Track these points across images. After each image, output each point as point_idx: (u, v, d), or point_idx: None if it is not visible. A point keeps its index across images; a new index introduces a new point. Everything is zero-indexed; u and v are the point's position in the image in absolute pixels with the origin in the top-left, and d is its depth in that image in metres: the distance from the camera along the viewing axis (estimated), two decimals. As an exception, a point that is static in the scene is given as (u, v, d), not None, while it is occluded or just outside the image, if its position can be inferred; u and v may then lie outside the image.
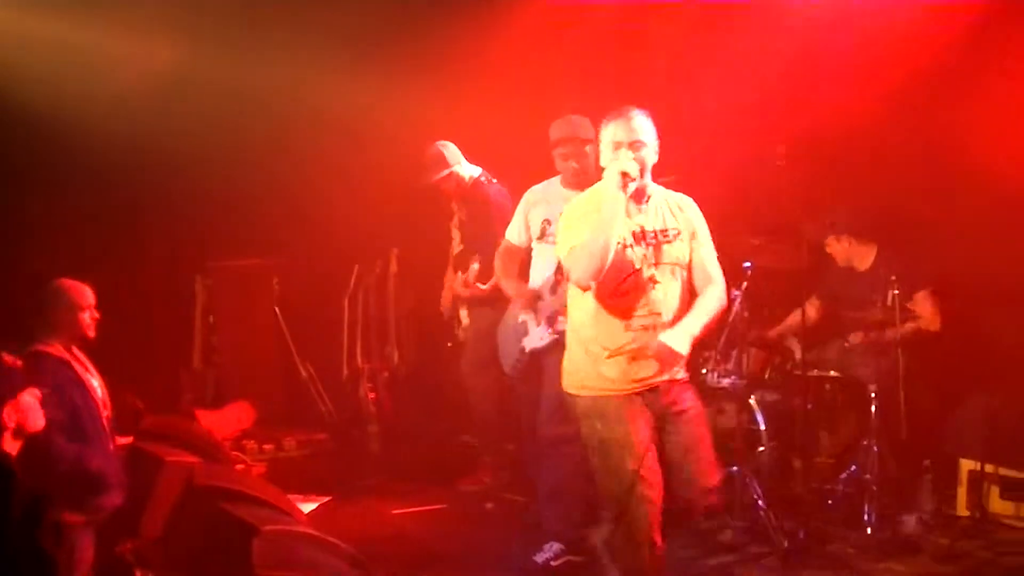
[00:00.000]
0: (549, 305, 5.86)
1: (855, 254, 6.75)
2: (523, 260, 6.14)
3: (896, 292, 6.17)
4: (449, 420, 7.97)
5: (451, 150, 7.24)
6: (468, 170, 7.26)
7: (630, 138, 4.56)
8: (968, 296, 6.61)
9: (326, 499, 7.05)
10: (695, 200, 4.81)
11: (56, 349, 5.37)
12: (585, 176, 5.90)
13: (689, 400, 4.69)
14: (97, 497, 5.24)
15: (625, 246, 4.55)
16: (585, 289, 4.60)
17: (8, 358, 4.78)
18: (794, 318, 6.58)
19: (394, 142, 8.34)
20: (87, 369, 5.49)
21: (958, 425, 6.60)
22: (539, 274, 6.00)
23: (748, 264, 6.13)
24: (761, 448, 6.52)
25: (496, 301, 6.46)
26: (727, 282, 4.84)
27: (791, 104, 6.75)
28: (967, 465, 6.44)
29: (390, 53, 8.06)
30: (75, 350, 5.48)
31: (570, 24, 7.84)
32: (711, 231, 4.80)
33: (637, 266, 4.54)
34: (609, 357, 4.57)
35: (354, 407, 8.62)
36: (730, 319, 6.18)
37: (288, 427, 8.54)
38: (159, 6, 7.86)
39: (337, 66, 8.03)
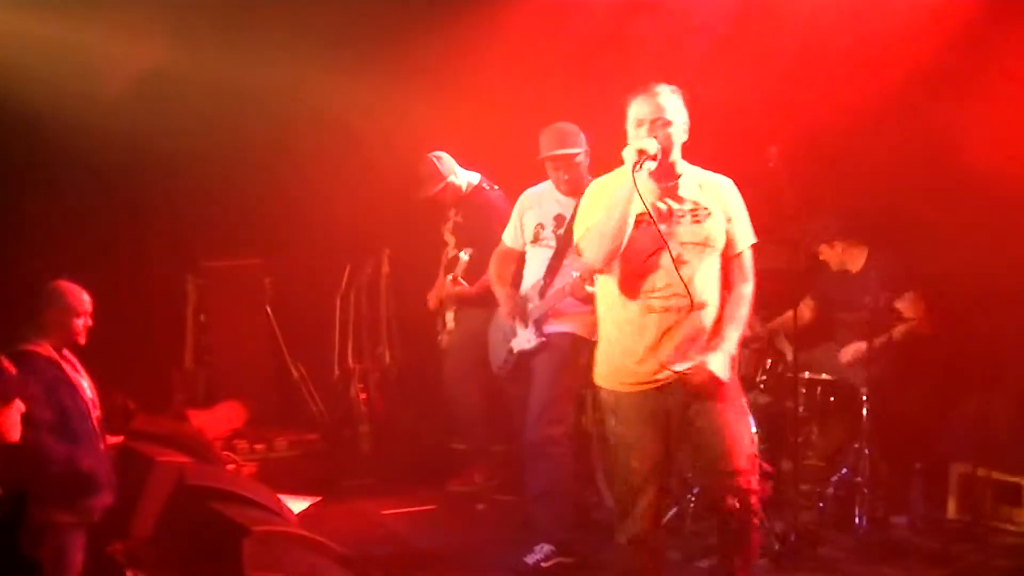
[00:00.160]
0: (538, 308, 5.88)
1: (847, 257, 6.76)
2: (518, 264, 6.14)
3: (888, 294, 6.18)
4: (440, 421, 7.96)
5: (445, 161, 7.24)
6: (465, 178, 7.26)
7: (653, 115, 4.44)
8: (962, 298, 6.62)
9: (317, 499, 7.03)
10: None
11: (45, 349, 5.36)
12: (577, 184, 5.91)
13: (714, 385, 4.47)
14: (88, 498, 5.23)
15: (648, 224, 4.40)
16: (602, 272, 4.55)
17: (6, 363, 4.76)
18: (786, 317, 6.57)
19: (387, 142, 8.34)
20: (76, 369, 5.47)
21: (949, 428, 6.62)
22: (530, 277, 6.01)
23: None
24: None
25: (485, 302, 6.46)
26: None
27: (787, 104, 6.75)
28: (958, 468, 6.46)
29: (386, 54, 8.04)
30: (64, 351, 5.47)
31: (567, 24, 7.82)
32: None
33: (663, 245, 4.39)
34: (628, 353, 4.50)
35: (345, 407, 8.60)
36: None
37: (279, 427, 8.50)
38: (155, 6, 7.85)
39: (331, 67, 8.01)
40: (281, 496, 5.65)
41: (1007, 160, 6.11)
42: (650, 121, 4.44)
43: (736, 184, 4.66)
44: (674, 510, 6.15)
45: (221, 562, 4.28)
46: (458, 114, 8.05)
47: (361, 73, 8.08)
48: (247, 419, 8.40)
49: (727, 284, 4.56)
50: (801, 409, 6.40)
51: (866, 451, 6.23)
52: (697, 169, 4.60)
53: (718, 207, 4.51)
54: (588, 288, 5.53)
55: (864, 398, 6.24)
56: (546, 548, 5.85)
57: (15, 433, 4.61)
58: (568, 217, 5.89)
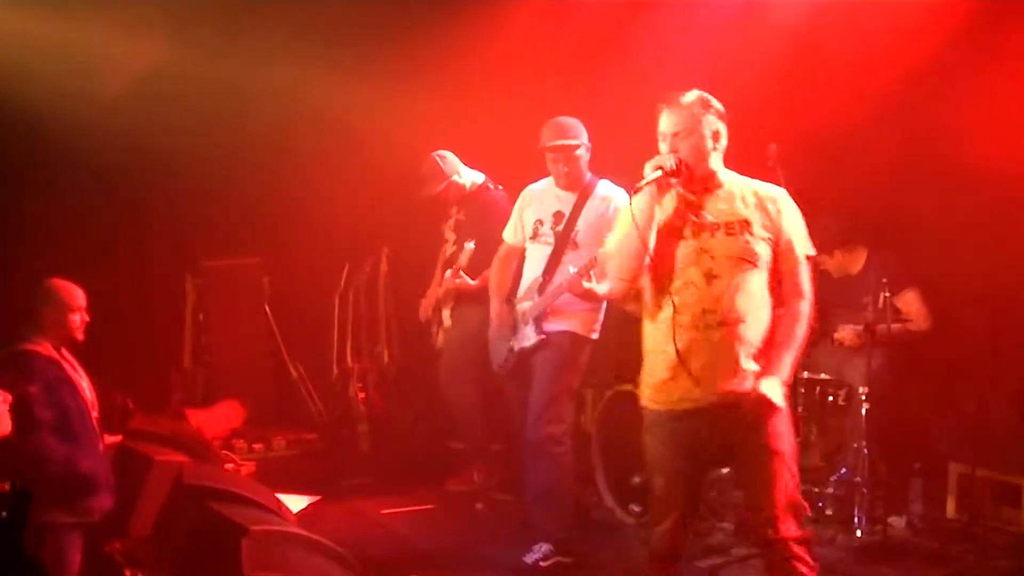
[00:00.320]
0: (536, 306, 5.87)
1: (847, 262, 6.75)
2: (519, 262, 6.14)
3: (887, 295, 6.18)
4: (439, 420, 7.95)
5: (448, 160, 7.22)
6: (469, 177, 7.24)
7: (673, 128, 4.27)
8: (961, 298, 6.61)
9: (315, 499, 7.03)
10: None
11: (45, 348, 5.35)
12: (576, 178, 5.92)
13: (757, 426, 4.19)
14: (87, 498, 5.23)
15: (681, 239, 4.26)
16: (625, 290, 4.42)
17: None
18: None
19: (386, 141, 8.35)
20: (75, 369, 5.47)
21: (948, 428, 6.62)
22: (530, 274, 6.01)
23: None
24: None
25: (483, 299, 6.45)
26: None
27: (786, 103, 6.75)
28: (957, 468, 6.46)
29: (386, 54, 8.05)
30: (63, 350, 5.46)
31: (567, 24, 7.83)
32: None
33: (693, 260, 4.23)
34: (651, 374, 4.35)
35: (344, 407, 8.61)
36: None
37: (278, 426, 8.52)
38: (155, 6, 7.85)
39: (330, 66, 8.02)
40: (280, 495, 5.65)
41: (1006, 159, 6.10)
42: (671, 135, 4.29)
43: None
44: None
45: (220, 561, 4.28)
46: (458, 113, 8.05)
47: (360, 73, 8.09)
48: (246, 418, 8.42)
49: (781, 301, 4.32)
50: (800, 409, 6.39)
51: (865, 451, 6.22)
52: (742, 180, 4.35)
53: (760, 220, 4.25)
54: (585, 284, 5.51)
55: (863, 398, 6.24)
56: (545, 547, 5.85)
57: (3, 427, 4.60)
58: (567, 213, 5.89)
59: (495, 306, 6.12)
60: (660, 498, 4.40)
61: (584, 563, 5.93)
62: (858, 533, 6.16)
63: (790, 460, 4.23)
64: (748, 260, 4.21)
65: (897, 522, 6.31)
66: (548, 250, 5.90)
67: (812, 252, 4.34)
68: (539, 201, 6.04)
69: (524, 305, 5.96)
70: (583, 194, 5.90)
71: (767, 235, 4.24)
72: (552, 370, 5.85)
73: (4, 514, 4.21)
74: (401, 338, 8.88)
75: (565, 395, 5.92)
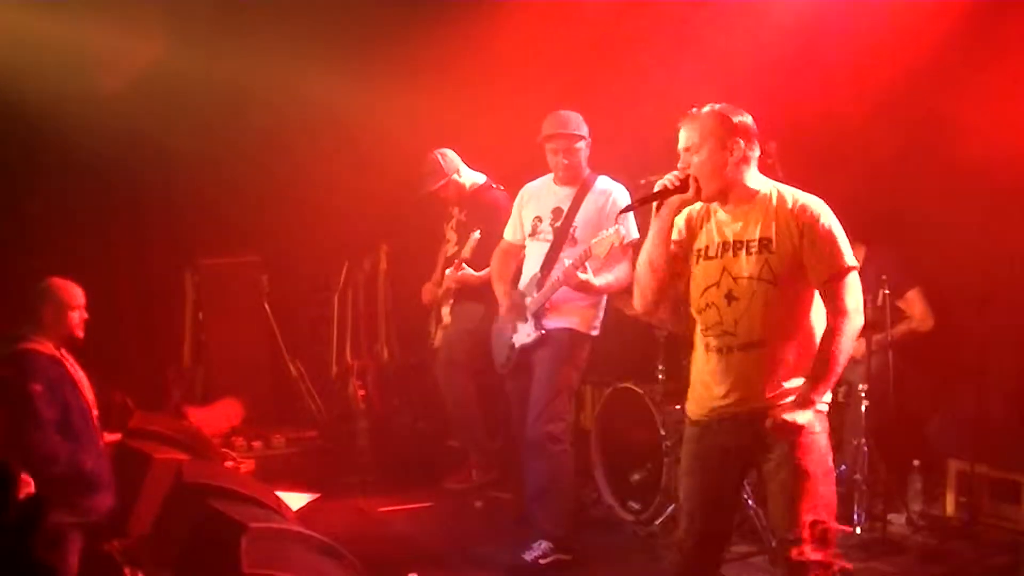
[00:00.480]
0: (536, 301, 5.87)
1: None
2: (519, 260, 6.14)
3: (887, 292, 6.18)
4: (438, 418, 7.95)
5: (449, 158, 7.21)
6: (470, 177, 7.23)
7: (685, 144, 4.26)
8: (960, 296, 6.61)
9: (315, 496, 7.04)
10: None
11: (46, 347, 5.36)
12: (574, 173, 5.92)
13: (781, 443, 4.07)
14: (90, 498, 5.24)
15: (707, 258, 4.19)
16: (648, 307, 4.36)
17: None
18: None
19: (385, 139, 8.35)
20: (75, 367, 5.47)
21: (947, 425, 6.61)
22: (529, 270, 6.01)
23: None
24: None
25: (484, 295, 6.45)
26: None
27: (785, 101, 6.75)
28: (956, 465, 6.46)
29: (384, 53, 8.05)
30: (62, 349, 5.47)
31: (566, 24, 7.83)
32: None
33: (715, 280, 4.15)
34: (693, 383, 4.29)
35: (343, 404, 8.59)
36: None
37: (277, 424, 8.52)
38: (154, 5, 7.85)
39: (328, 65, 8.02)
40: (279, 493, 5.66)
41: (1005, 157, 6.11)
42: (684, 150, 4.25)
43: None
44: (671, 508, 6.15)
45: (219, 559, 4.28)
46: (457, 112, 8.06)
47: (360, 71, 8.09)
48: (245, 416, 8.42)
49: (814, 318, 4.15)
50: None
51: (864, 448, 6.23)
52: (779, 192, 4.17)
53: (786, 235, 4.07)
54: (581, 275, 5.52)
55: (863, 395, 6.24)
56: (544, 545, 5.85)
57: None
58: (565, 210, 5.89)
59: (501, 290, 6.10)
60: (681, 506, 4.37)
61: (583, 561, 5.93)
62: (857, 530, 6.17)
63: (821, 481, 4.07)
64: (767, 280, 4.07)
65: (896, 519, 6.32)
66: (547, 246, 5.91)
67: (853, 264, 4.08)
68: (537, 198, 6.05)
69: (524, 301, 5.96)
70: (581, 189, 5.91)
71: (791, 252, 4.06)
72: (552, 368, 5.85)
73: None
74: (400, 336, 8.87)
75: (565, 393, 5.92)
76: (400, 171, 8.03)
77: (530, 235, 6.03)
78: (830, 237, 4.08)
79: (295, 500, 6.52)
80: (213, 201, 8.77)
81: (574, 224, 5.85)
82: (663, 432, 6.30)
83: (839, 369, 4.05)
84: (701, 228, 4.25)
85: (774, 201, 4.13)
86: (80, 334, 5.50)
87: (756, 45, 7.00)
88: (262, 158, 8.63)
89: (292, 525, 4.90)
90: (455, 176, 7.19)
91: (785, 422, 3.99)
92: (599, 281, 5.61)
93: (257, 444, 8.13)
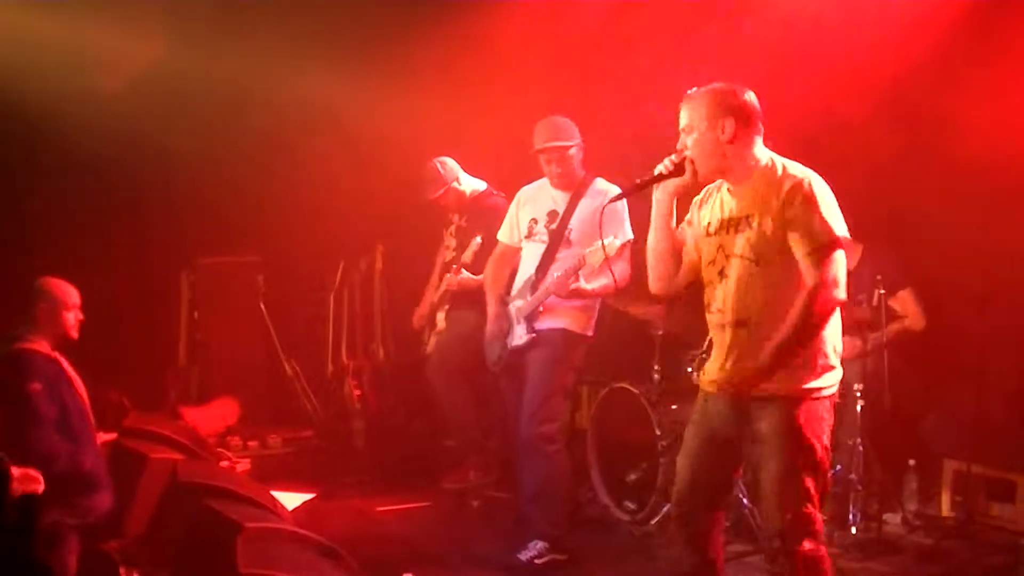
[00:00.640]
0: (529, 305, 5.87)
1: (844, 259, 6.76)
2: (514, 264, 6.14)
3: (882, 292, 6.19)
4: (434, 418, 7.95)
5: (448, 166, 7.20)
6: (469, 184, 7.21)
7: (681, 125, 4.23)
8: (955, 295, 6.62)
9: (310, 496, 7.03)
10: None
11: (43, 347, 5.36)
12: (569, 178, 5.92)
13: (764, 424, 4.06)
14: (89, 497, 5.23)
15: (710, 235, 4.24)
16: (663, 291, 4.42)
17: None
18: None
19: (382, 139, 8.34)
20: (70, 367, 5.47)
21: (943, 425, 6.62)
22: (524, 272, 6.01)
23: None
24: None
25: (478, 304, 6.45)
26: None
27: (780, 100, 6.74)
28: (951, 465, 6.46)
29: (383, 52, 8.05)
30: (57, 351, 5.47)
31: (565, 24, 7.83)
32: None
33: (712, 257, 4.21)
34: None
35: (339, 404, 8.61)
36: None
37: (273, 424, 8.52)
38: (153, 5, 7.85)
39: (326, 66, 8.02)
40: (275, 492, 5.66)
41: (1003, 156, 6.12)
42: (681, 131, 4.23)
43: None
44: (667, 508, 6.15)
45: (215, 558, 4.28)
46: (455, 113, 8.05)
47: (357, 71, 8.09)
48: (241, 416, 8.42)
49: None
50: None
51: (860, 448, 6.23)
52: (776, 167, 4.15)
53: (768, 212, 4.05)
54: (572, 285, 5.54)
55: (858, 395, 6.24)
56: (540, 545, 5.85)
57: None
58: (561, 212, 5.90)
59: (491, 305, 6.11)
60: (677, 473, 4.38)
61: (579, 560, 5.93)
62: (853, 530, 6.17)
63: (804, 471, 4.03)
64: (748, 258, 4.09)
65: (892, 519, 6.33)
66: (542, 248, 5.90)
67: (838, 236, 4.02)
68: (534, 201, 6.05)
69: (517, 304, 5.96)
70: (577, 192, 5.91)
71: (773, 228, 4.05)
72: (545, 368, 5.85)
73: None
74: (396, 335, 8.87)
75: (559, 393, 5.92)
76: (397, 172, 8.03)
77: (526, 237, 6.03)
78: (812, 209, 4.02)
79: (291, 500, 6.51)
80: (210, 201, 8.76)
81: (569, 226, 5.85)
82: (659, 432, 6.31)
83: (798, 340, 3.97)
84: (711, 205, 4.30)
85: (772, 175, 4.13)
86: (75, 334, 5.49)
87: (755, 44, 7.00)
88: (259, 158, 8.63)
89: (288, 525, 4.89)
90: (455, 184, 7.18)
91: (734, 384, 4.06)
92: (591, 286, 5.61)
93: (253, 444, 8.13)
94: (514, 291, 6.03)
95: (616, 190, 5.77)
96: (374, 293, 8.90)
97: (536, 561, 5.81)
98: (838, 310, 4.11)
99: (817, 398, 4.09)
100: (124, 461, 5.67)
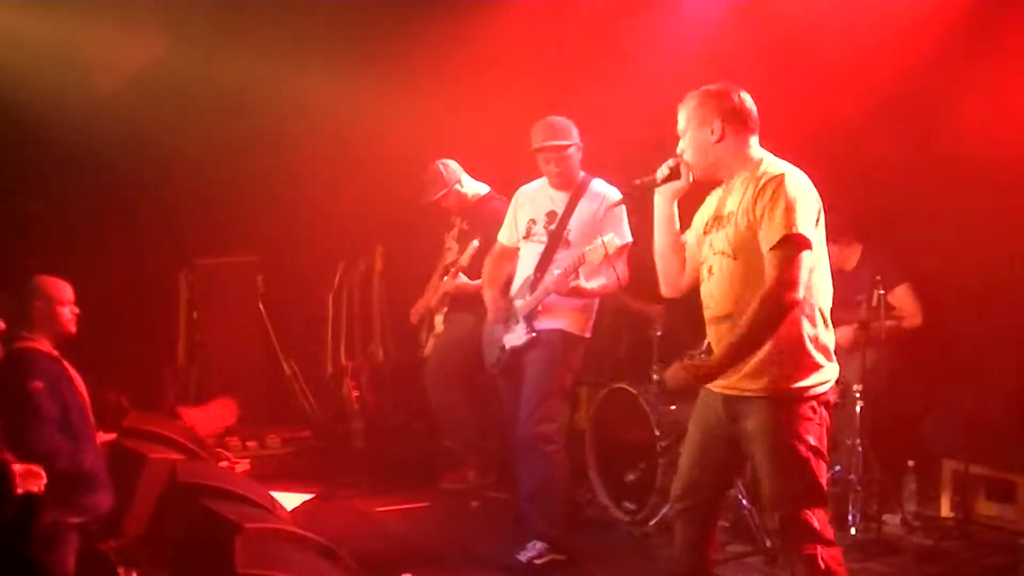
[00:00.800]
0: (528, 305, 5.86)
1: (842, 258, 6.76)
2: (512, 265, 6.13)
3: (881, 292, 6.19)
4: (433, 418, 7.95)
5: (451, 168, 7.19)
6: (472, 187, 7.20)
7: (678, 128, 4.32)
8: (954, 294, 6.63)
9: (309, 496, 7.03)
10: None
11: (44, 345, 5.35)
12: (567, 178, 5.91)
13: (751, 422, 4.12)
14: (89, 497, 5.22)
15: (704, 233, 4.32)
16: (673, 293, 4.51)
17: None
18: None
19: (381, 140, 8.34)
20: (70, 366, 5.46)
21: (942, 425, 6.62)
22: (522, 272, 6.00)
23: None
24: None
25: (476, 307, 6.44)
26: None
27: (780, 100, 6.75)
28: (950, 465, 6.46)
29: (382, 52, 8.04)
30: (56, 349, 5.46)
31: (564, 24, 7.84)
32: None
33: (705, 254, 4.29)
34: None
35: (338, 404, 8.60)
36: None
37: (272, 424, 8.51)
38: (151, 5, 7.85)
39: (325, 65, 8.02)
40: (274, 493, 5.65)
41: (1004, 156, 6.12)
42: (678, 133, 4.32)
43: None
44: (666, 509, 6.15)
45: (213, 559, 4.28)
46: (454, 113, 8.05)
47: (356, 71, 8.08)
48: (239, 416, 8.41)
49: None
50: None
51: (859, 448, 6.22)
52: (760, 166, 4.19)
53: (745, 208, 4.10)
54: (572, 283, 5.54)
55: (857, 395, 6.24)
56: (539, 545, 5.84)
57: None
58: (560, 212, 5.89)
59: (490, 297, 6.10)
60: (677, 474, 4.45)
61: (578, 561, 5.92)
62: (852, 531, 6.17)
63: (790, 471, 4.07)
64: (727, 254, 4.16)
65: (891, 519, 6.32)
66: (541, 248, 5.89)
67: (799, 234, 3.98)
68: (532, 201, 6.04)
69: (516, 303, 5.96)
70: (576, 193, 5.90)
71: (748, 224, 4.09)
72: (543, 369, 5.84)
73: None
74: (395, 336, 8.87)
75: (557, 394, 5.91)
76: (397, 172, 8.04)
77: (524, 237, 6.02)
78: (779, 205, 4.03)
79: (290, 500, 6.51)
80: (209, 201, 8.75)
81: (568, 227, 5.84)
82: (658, 432, 6.30)
83: (752, 338, 4.01)
84: (707, 205, 4.39)
85: (755, 173, 4.17)
86: (72, 329, 5.49)
87: (754, 44, 7.01)
88: (258, 158, 8.62)
89: (287, 525, 4.89)
90: (456, 186, 7.17)
91: (692, 377, 4.13)
92: (591, 284, 5.61)
93: (252, 444, 8.12)
94: (513, 291, 6.02)
95: (615, 191, 5.79)
96: (373, 294, 8.90)
97: (535, 561, 5.81)
98: (817, 309, 4.16)
99: (803, 398, 4.11)
100: (123, 461, 5.67)
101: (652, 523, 6.29)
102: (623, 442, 6.67)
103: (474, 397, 7.16)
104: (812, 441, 4.10)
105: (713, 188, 4.37)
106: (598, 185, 5.91)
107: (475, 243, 6.76)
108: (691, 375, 4.15)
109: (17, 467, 4.51)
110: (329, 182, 8.63)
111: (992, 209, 6.43)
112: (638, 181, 4.40)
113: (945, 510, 6.48)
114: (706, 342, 4.52)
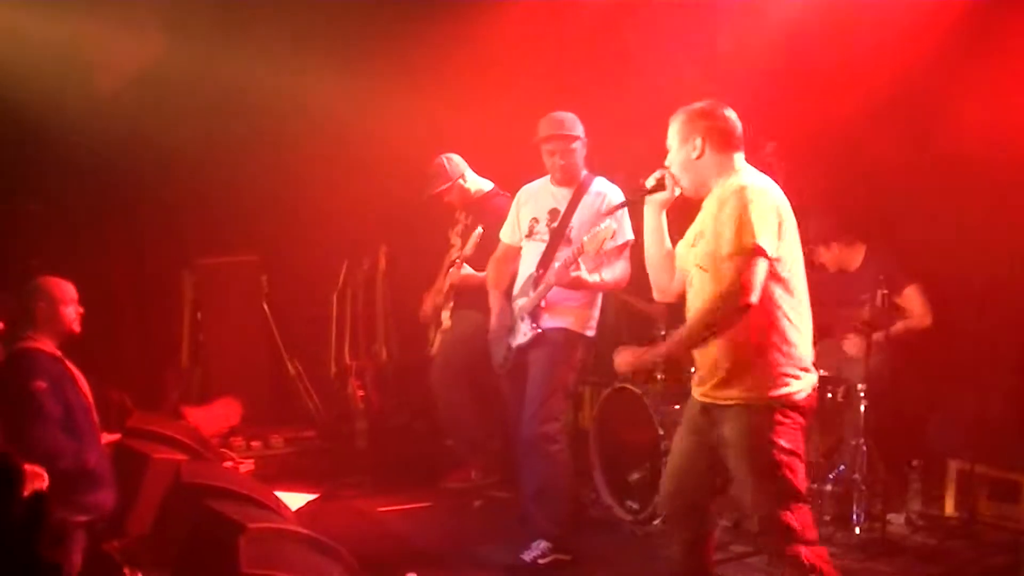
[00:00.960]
0: (531, 302, 5.86)
1: (845, 257, 6.76)
2: (516, 264, 6.13)
3: (885, 292, 6.18)
4: (437, 418, 7.95)
5: (454, 163, 7.18)
6: (476, 183, 7.19)
7: (668, 143, 4.46)
8: (958, 295, 6.62)
9: (313, 496, 7.02)
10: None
11: (46, 345, 5.36)
12: (571, 173, 5.91)
13: (727, 428, 4.23)
14: (93, 495, 5.23)
15: (689, 248, 4.43)
16: (666, 301, 4.67)
17: None
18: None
19: (384, 139, 8.34)
20: (73, 366, 5.47)
21: (946, 425, 6.61)
22: (525, 270, 6.00)
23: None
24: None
25: (482, 305, 6.44)
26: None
27: (783, 101, 6.76)
28: (955, 465, 6.46)
29: (384, 50, 8.05)
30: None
31: (563, 21, 7.83)
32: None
33: (688, 267, 4.41)
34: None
35: (342, 404, 8.60)
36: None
37: (276, 424, 8.51)
38: (152, 5, 7.85)
39: (327, 64, 8.02)
40: (277, 493, 5.65)
41: (1006, 155, 6.12)
42: (668, 148, 4.46)
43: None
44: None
45: (217, 559, 4.29)
46: (457, 111, 8.05)
47: (359, 70, 8.09)
48: (243, 416, 8.41)
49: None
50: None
51: (864, 448, 6.22)
52: (729, 181, 4.28)
53: (712, 222, 4.24)
54: (573, 272, 5.54)
55: (862, 395, 6.24)
56: (543, 545, 5.85)
57: None
58: (562, 210, 5.89)
59: (494, 301, 6.10)
60: (666, 475, 4.55)
61: (581, 560, 5.92)
62: (857, 530, 6.17)
63: (764, 475, 4.17)
64: (701, 267, 4.29)
65: (895, 519, 6.32)
66: (543, 246, 5.89)
67: (749, 246, 4.07)
68: (535, 199, 6.04)
69: (520, 301, 5.96)
70: (578, 190, 5.90)
71: (714, 238, 4.21)
72: (546, 368, 5.84)
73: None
74: (399, 336, 8.87)
75: (559, 393, 5.91)
76: (400, 171, 8.03)
77: (527, 236, 6.03)
78: (734, 219, 4.13)
79: (294, 500, 6.50)
80: (212, 201, 8.76)
81: (570, 225, 5.84)
82: (661, 432, 6.30)
83: (690, 337, 4.25)
84: (696, 220, 4.47)
85: (720, 189, 4.29)
86: (76, 328, 5.49)
87: (756, 43, 7.00)
88: (261, 157, 8.62)
89: (290, 525, 4.89)
90: (460, 181, 7.16)
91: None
92: (592, 277, 5.61)
93: (256, 444, 8.13)
94: (516, 290, 6.03)
95: (616, 190, 5.80)
96: (377, 293, 8.89)
97: (539, 561, 5.81)
98: (787, 319, 4.22)
99: (774, 407, 4.19)
100: (127, 461, 5.67)
101: (656, 522, 6.29)
102: (627, 442, 6.67)
103: (479, 397, 7.16)
104: (786, 444, 4.18)
105: (688, 200, 4.50)
106: (600, 183, 5.92)
107: (479, 230, 6.74)
108: (636, 359, 4.47)
109: (27, 467, 4.52)
110: (330, 181, 8.63)
111: (993, 209, 6.43)
112: (643, 181, 4.47)
113: (949, 510, 6.47)
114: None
